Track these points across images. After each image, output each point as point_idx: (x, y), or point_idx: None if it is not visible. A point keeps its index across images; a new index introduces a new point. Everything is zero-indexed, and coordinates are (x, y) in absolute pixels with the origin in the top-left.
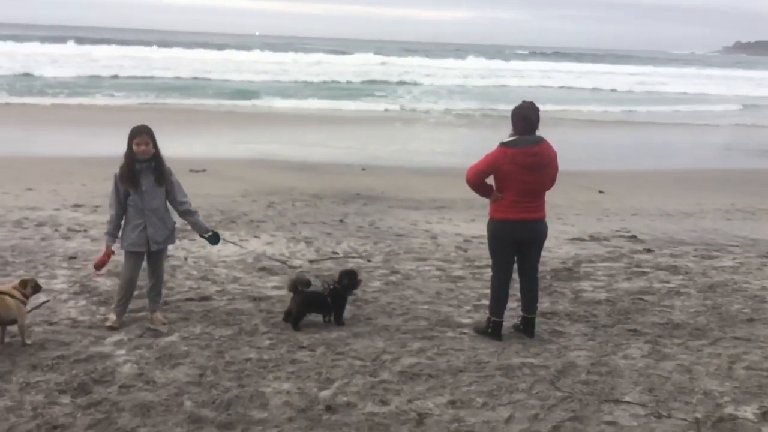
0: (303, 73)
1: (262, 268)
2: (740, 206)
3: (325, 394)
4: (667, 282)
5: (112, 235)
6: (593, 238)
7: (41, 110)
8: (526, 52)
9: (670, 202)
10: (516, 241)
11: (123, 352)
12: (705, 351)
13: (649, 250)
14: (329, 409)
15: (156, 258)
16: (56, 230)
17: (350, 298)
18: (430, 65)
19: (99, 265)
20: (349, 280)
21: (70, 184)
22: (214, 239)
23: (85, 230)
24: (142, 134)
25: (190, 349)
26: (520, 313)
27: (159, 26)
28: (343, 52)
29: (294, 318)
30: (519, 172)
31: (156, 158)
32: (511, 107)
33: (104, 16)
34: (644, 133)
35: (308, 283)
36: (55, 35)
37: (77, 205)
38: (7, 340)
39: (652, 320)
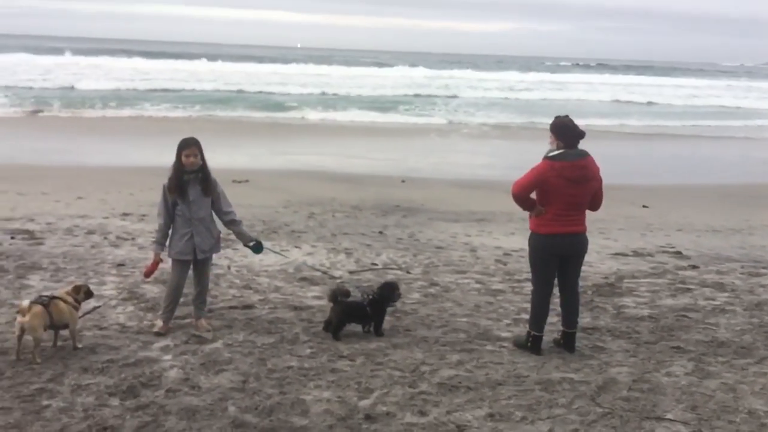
0: (344, 86)
1: (303, 278)
2: None
3: (364, 403)
4: (713, 299)
5: (160, 243)
6: (637, 253)
7: (90, 122)
8: (569, 64)
9: (717, 217)
10: (559, 255)
11: (169, 357)
12: (750, 370)
13: (694, 267)
14: (368, 418)
15: (202, 266)
16: (105, 238)
17: (389, 310)
18: (471, 77)
19: (148, 273)
20: (388, 292)
21: (118, 193)
22: (257, 248)
23: (132, 238)
24: (191, 146)
25: (233, 355)
26: (561, 328)
27: (204, 39)
28: (385, 65)
29: (334, 327)
30: (566, 186)
31: (203, 169)
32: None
33: (151, 29)
34: (690, 147)
35: (348, 294)
36: (106, 48)
37: (125, 214)
38: (59, 343)
39: (696, 338)
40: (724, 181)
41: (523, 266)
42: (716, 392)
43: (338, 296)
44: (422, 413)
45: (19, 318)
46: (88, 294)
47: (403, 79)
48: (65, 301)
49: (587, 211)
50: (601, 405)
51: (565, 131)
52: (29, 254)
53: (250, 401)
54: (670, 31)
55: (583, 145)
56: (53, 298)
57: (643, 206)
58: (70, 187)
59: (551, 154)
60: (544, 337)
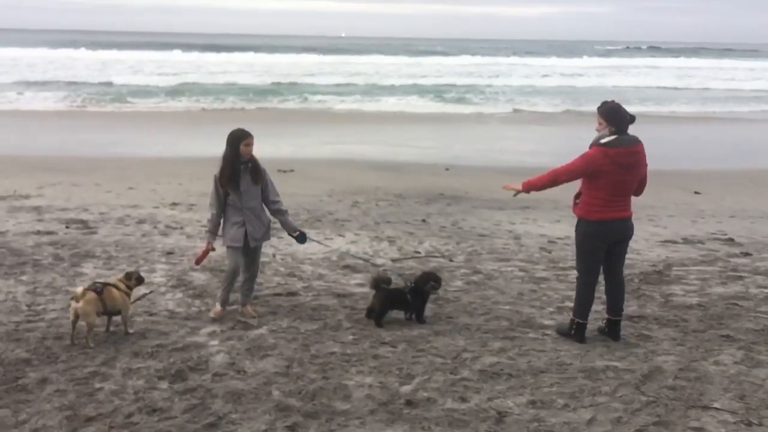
0: (387, 75)
1: (346, 266)
2: None
3: (405, 389)
4: (765, 287)
5: (213, 233)
6: (687, 240)
7: (138, 114)
8: (620, 48)
9: None
10: (608, 242)
11: (216, 342)
12: None
13: (746, 254)
14: (410, 403)
15: (253, 254)
16: (155, 227)
17: (431, 297)
18: (517, 62)
19: (198, 261)
20: (424, 282)
21: (168, 183)
22: (301, 238)
23: (181, 227)
24: (249, 136)
25: (277, 341)
26: (606, 316)
27: (250, 30)
28: (429, 53)
29: (376, 314)
30: (618, 172)
31: (252, 159)
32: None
33: (195, 22)
34: (745, 131)
35: (389, 281)
36: (160, 41)
37: (174, 204)
38: (112, 329)
39: (746, 326)
40: None
41: (567, 254)
42: (766, 381)
43: (380, 283)
44: (463, 399)
45: (74, 304)
46: (140, 280)
47: (447, 67)
48: (118, 288)
49: (634, 198)
50: (645, 393)
51: (617, 116)
52: (83, 243)
53: (293, 386)
54: (729, 11)
55: (632, 130)
56: (106, 284)
57: (695, 192)
58: (122, 178)
59: (604, 140)
60: (588, 325)
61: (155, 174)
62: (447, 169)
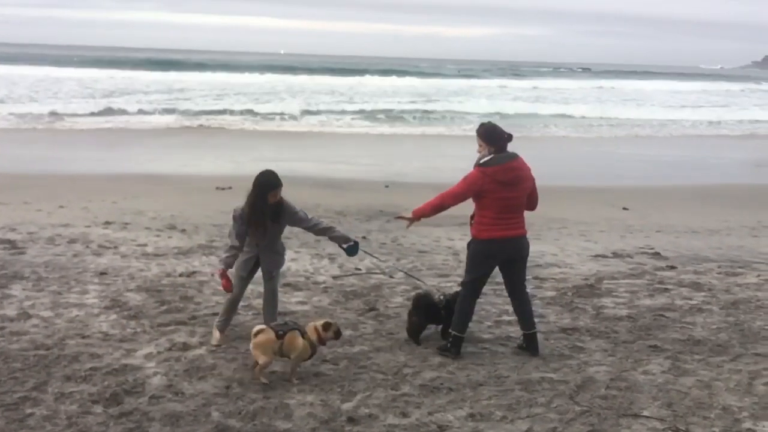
0: (327, 94)
1: (286, 284)
2: (767, 223)
3: (347, 406)
4: (690, 299)
5: (230, 264)
6: (616, 254)
7: (68, 132)
8: (550, 69)
9: (695, 218)
10: (499, 260)
11: (153, 364)
12: (725, 367)
13: (672, 267)
14: (351, 420)
15: (268, 277)
16: (87, 247)
17: (372, 314)
18: (457, 85)
19: (228, 286)
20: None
21: (101, 201)
22: (351, 250)
23: (115, 247)
24: (279, 185)
25: (217, 361)
26: (524, 332)
27: (188, 45)
28: (368, 72)
29: (416, 331)
30: (499, 190)
31: (278, 203)
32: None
33: (132, 36)
34: (669, 148)
35: (431, 299)
36: (89, 56)
37: (108, 222)
38: (41, 352)
39: (673, 336)
40: (703, 182)
41: None
42: (692, 389)
43: (422, 301)
44: (404, 414)
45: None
46: (337, 335)
47: (384, 87)
48: (303, 336)
49: (564, 214)
50: (579, 403)
51: (493, 136)
52: (11, 264)
53: (233, 406)
54: (652, 34)
55: (572, 147)
56: (294, 329)
57: (624, 208)
58: (52, 196)
59: (482, 161)
60: (508, 344)
61: (87, 192)
62: (387, 186)
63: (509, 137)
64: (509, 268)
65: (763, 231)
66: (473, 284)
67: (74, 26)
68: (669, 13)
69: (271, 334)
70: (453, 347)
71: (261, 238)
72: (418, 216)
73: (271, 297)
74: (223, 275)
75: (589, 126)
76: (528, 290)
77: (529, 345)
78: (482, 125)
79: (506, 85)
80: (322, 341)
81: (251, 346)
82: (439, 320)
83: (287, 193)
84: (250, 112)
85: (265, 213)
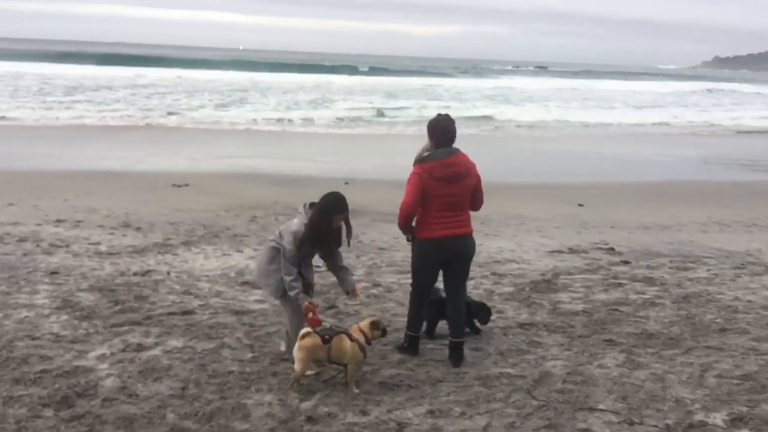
0: (284, 90)
1: (245, 282)
2: (716, 218)
3: (306, 405)
4: (643, 293)
5: (305, 292)
6: (572, 250)
7: (19, 128)
8: (510, 68)
9: (647, 214)
10: (442, 260)
11: (106, 366)
12: (678, 360)
13: (626, 262)
14: (310, 419)
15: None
16: (38, 245)
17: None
18: (412, 84)
19: (317, 321)
20: (480, 314)
21: (51, 199)
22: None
23: (67, 245)
24: (345, 211)
25: (172, 362)
26: (450, 338)
27: (148, 40)
28: (328, 68)
29: (429, 327)
30: (437, 186)
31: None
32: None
33: (90, 30)
34: (624, 147)
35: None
36: (33, 50)
37: (59, 221)
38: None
39: (627, 330)
40: (654, 179)
41: None
42: (645, 382)
43: (436, 297)
44: (363, 413)
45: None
46: (384, 333)
47: (345, 85)
48: (351, 339)
49: (521, 211)
50: (536, 398)
51: (434, 130)
52: None
53: (189, 408)
54: (605, 35)
55: (529, 145)
56: (339, 333)
57: (579, 205)
58: (1, 193)
59: (419, 157)
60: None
61: (38, 189)
62: (346, 183)
63: (450, 132)
64: (450, 268)
65: (712, 226)
66: (418, 286)
67: (24, 19)
68: (622, 14)
69: (317, 339)
70: (410, 347)
71: (327, 258)
72: (403, 231)
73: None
74: (311, 309)
75: (554, 128)
76: (488, 286)
77: (452, 353)
78: (433, 118)
79: (467, 85)
80: (369, 341)
81: (295, 348)
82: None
83: (243, 190)
84: (207, 108)
85: (328, 232)
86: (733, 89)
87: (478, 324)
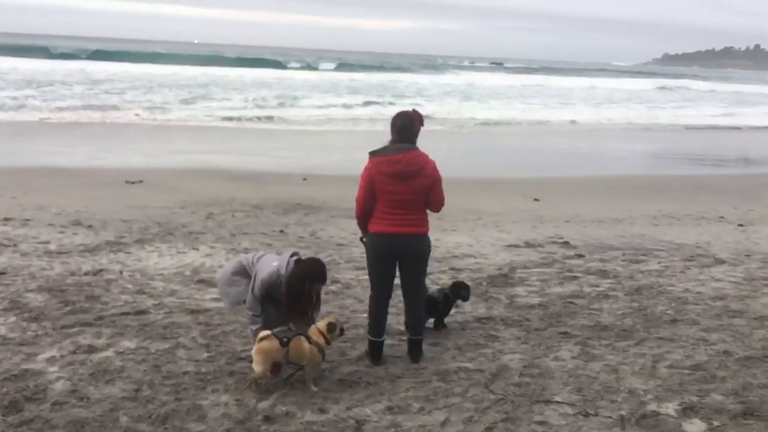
0: (239, 85)
1: (201, 281)
2: (666, 212)
3: (263, 405)
4: (597, 286)
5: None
6: (528, 244)
7: None
8: (466, 64)
9: (601, 208)
10: (391, 256)
11: (55, 369)
12: (631, 351)
13: (580, 256)
14: (268, 419)
15: None
16: None
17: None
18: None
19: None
20: (461, 292)
21: None
22: None
23: (15, 245)
24: (324, 281)
25: (125, 364)
26: (408, 336)
27: (100, 33)
28: (282, 64)
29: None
30: (385, 182)
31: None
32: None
33: (39, 22)
34: (579, 141)
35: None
36: None
37: (6, 219)
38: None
39: (581, 323)
40: (608, 174)
41: None
42: (600, 374)
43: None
44: (322, 411)
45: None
46: (341, 332)
47: (302, 79)
48: (309, 340)
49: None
50: (494, 392)
51: (392, 126)
52: None
53: (143, 410)
54: (557, 30)
55: (486, 140)
56: (297, 335)
57: (535, 199)
58: None
59: (371, 150)
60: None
61: None
62: (304, 179)
63: (408, 127)
64: (402, 267)
65: (662, 219)
66: (374, 284)
67: None
68: (575, 12)
69: (275, 342)
70: (371, 354)
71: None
72: (360, 229)
73: None
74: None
75: (518, 124)
76: (446, 281)
77: (410, 350)
78: (396, 113)
79: (428, 81)
80: (328, 342)
81: (253, 351)
82: (437, 313)
83: (200, 186)
84: (162, 104)
85: (301, 302)
86: (687, 86)
87: (459, 304)
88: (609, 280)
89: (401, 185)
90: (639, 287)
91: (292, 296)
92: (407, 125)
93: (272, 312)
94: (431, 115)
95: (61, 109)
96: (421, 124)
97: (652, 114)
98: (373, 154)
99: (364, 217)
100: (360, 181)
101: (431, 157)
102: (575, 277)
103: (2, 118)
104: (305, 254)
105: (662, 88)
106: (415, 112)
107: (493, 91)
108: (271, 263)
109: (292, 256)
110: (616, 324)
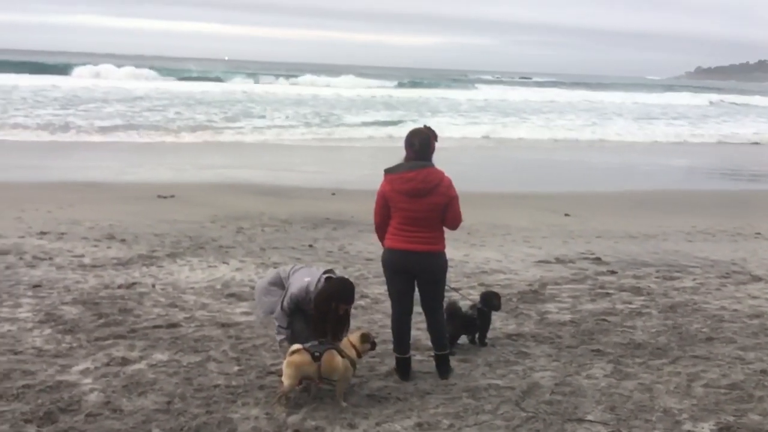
0: (270, 101)
1: (231, 294)
2: (701, 228)
3: (293, 419)
4: (630, 303)
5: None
6: (559, 260)
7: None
8: (492, 78)
9: (633, 224)
10: (403, 272)
11: (89, 380)
12: (665, 370)
13: (612, 272)
14: None
15: None
16: (21, 258)
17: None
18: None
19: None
20: (493, 301)
21: (35, 210)
22: None
23: (50, 258)
24: (351, 302)
25: (157, 376)
26: (434, 352)
27: (133, 51)
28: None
29: (450, 340)
30: (399, 199)
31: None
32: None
33: (74, 40)
34: (609, 156)
35: (459, 308)
36: (32, 61)
37: (43, 233)
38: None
39: (614, 340)
40: (640, 188)
41: (451, 275)
42: (633, 392)
43: (453, 311)
44: (351, 426)
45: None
46: (373, 346)
47: (331, 96)
48: (342, 354)
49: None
50: (525, 409)
51: (408, 141)
52: None
53: (175, 422)
54: (586, 45)
55: (515, 155)
56: (330, 348)
57: (565, 215)
58: None
59: (386, 168)
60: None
61: (20, 201)
62: (333, 194)
63: (423, 145)
64: (419, 285)
65: (697, 236)
66: (392, 300)
67: (6, 29)
68: (604, 25)
69: (307, 356)
70: (398, 370)
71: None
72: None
73: None
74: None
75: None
76: (475, 296)
77: (437, 366)
78: (410, 130)
79: (459, 96)
80: (359, 355)
81: (284, 364)
82: (476, 330)
83: (229, 201)
84: (193, 120)
85: (326, 320)
86: (738, 101)
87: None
88: (642, 297)
89: (415, 203)
90: (673, 304)
91: (317, 315)
92: (425, 143)
93: (302, 325)
94: (467, 136)
95: (103, 129)
96: (435, 139)
97: (718, 130)
98: (387, 171)
99: (381, 232)
100: (377, 196)
101: (447, 174)
102: (608, 294)
103: (45, 138)
104: (334, 269)
105: (711, 103)
106: (428, 128)
107: (526, 107)
108: (304, 278)
109: (325, 273)
110: (650, 342)
